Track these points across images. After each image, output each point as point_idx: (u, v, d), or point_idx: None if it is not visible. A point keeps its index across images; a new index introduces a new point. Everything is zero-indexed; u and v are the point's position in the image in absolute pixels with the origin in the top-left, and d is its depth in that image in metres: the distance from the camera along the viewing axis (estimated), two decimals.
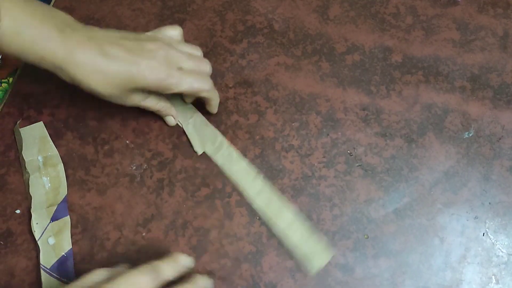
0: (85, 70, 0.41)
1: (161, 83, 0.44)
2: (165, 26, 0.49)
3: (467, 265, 0.47)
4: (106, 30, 0.44)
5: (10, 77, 0.56)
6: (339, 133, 0.52)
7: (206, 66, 0.48)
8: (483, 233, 0.48)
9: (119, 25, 0.56)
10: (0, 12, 0.37)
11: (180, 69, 0.45)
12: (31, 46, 0.39)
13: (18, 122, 0.51)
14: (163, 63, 0.43)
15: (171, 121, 0.51)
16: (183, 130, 0.51)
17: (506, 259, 0.47)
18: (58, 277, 0.45)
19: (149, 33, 0.47)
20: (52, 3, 0.57)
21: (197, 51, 0.49)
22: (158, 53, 0.44)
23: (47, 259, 0.45)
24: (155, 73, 0.43)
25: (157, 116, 0.52)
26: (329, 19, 0.57)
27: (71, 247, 0.46)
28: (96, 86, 0.42)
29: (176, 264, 0.40)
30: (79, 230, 0.47)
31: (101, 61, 0.41)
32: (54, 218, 0.47)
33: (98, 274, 0.38)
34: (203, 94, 0.48)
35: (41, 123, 0.51)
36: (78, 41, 0.40)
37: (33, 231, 0.46)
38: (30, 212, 0.47)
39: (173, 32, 0.48)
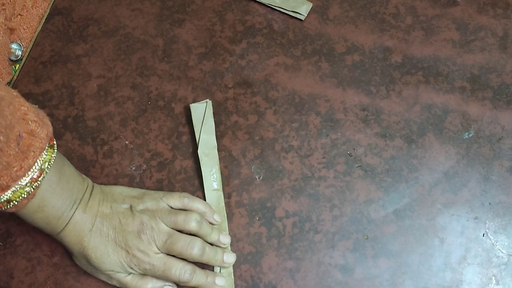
0: (72, 247, 0.43)
1: (134, 268, 0.43)
2: (172, 195, 0.46)
3: (467, 265, 0.46)
4: (104, 201, 0.44)
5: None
6: (339, 134, 0.52)
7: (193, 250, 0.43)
8: (483, 234, 0.48)
9: (118, 25, 0.56)
10: (37, 191, 0.39)
11: (159, 251, 0.44)
12: (40, 221, 0.42)
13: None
14: (139, 248, 0.42)
15: None
16: (183, 132, 0.51)
17: (506, 259, 0.47)
18: None
19: (148, 204, 0.45)
20: (51, 3, 0.57)
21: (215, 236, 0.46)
22: (138, 237, 0.43)
23: None
24: (129, 258, 0.43)
25: (156, 117, 0.52)
26: (328, 19, 0.57)
27: None
28: (75, 259, 0.45)
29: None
30: None
31: (81, 245, 0.43)
32: None
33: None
34: (183, 285, 0.44)
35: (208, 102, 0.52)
36: (73, 217, 0.42)
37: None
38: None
39: (177, 203, 0.46)
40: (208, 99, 0.52)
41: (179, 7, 0.58)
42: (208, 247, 0.44)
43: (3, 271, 0.46)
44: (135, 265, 0.43)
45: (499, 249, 0.47)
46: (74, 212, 0.42)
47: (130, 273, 0.44)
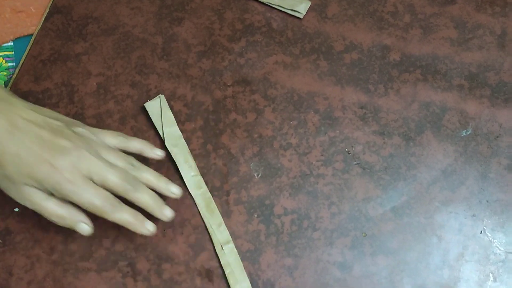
0: None
1: (56, 187, 0.38)
2: (106, 131, 0.45)
3: (464, 263, 0.47)
4: (31, 111, 0.40)
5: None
6: (337, 132, 0.52)
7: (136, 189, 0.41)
8: (481, 231, 0.48)
9: (118, 23, 0.56)
10: None
11: (87, 178, 0.40)
12: None
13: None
14: (67, 166, 0.39)
15: (83, 229, 0.41)
16: (182, 129, 0.52)
17: (503, 257, 0.47)
18: None
19: (84, 130, 0.42)
20: (51, 1, 0.57)
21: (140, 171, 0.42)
22: (70, 154, 0.39)
23: None
24: (53, 173, 0.38)
25: None
26: (327, 17, 0.57)
27: None
28: None
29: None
30: None
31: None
32: None
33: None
34: (106, 218, 0.41)
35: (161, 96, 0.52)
36: None
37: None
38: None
39: (112, 140, 0.44)
40: (160, 94, 0.52)
41: (178, 6, 0.58)
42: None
43: (2, 268, 0.46)
44: (57, 183, 0.38)
45: (497, 247, 0.47)
46: None
47: (49, 198, 0.40)
